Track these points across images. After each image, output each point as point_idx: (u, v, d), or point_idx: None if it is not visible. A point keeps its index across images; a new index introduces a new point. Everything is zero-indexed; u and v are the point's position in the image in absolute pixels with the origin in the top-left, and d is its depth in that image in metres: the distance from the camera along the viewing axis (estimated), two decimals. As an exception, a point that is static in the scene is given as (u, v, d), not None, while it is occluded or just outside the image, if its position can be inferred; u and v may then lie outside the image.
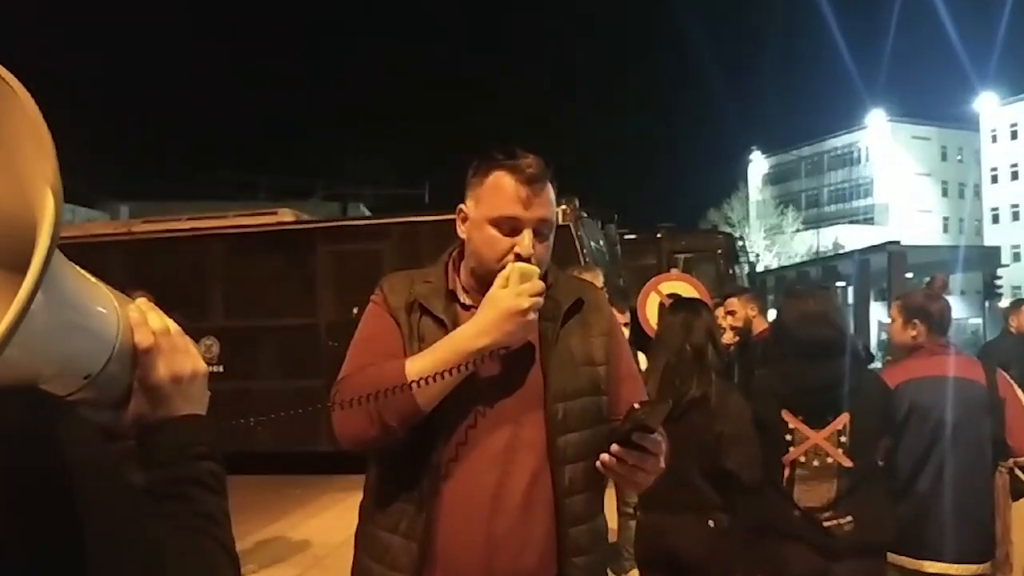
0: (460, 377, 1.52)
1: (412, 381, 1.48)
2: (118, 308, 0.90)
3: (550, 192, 1.63)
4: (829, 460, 2.63)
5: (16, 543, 0.67)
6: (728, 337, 5.10)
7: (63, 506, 0.69)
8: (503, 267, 1.57)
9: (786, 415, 2.64)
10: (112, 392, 0.90)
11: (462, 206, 1.68)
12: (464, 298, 1.69)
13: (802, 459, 2.62)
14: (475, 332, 1.52)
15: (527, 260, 1.58)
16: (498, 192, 1.59)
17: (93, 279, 0.88)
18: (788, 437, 2.64)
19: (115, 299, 0.91)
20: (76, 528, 0.70)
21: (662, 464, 1.51)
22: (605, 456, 1.46)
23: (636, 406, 1.46)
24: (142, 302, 0.95)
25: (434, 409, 1.53)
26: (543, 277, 1.60)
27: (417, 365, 1.51)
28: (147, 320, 0.93)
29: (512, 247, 1.58)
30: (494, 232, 1.60)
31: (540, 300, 1.54)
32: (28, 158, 0.70)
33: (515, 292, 1.52)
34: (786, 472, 2.62)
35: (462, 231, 1.69)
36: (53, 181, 0.68)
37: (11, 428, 0.71)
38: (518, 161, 1.59)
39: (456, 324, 1.60)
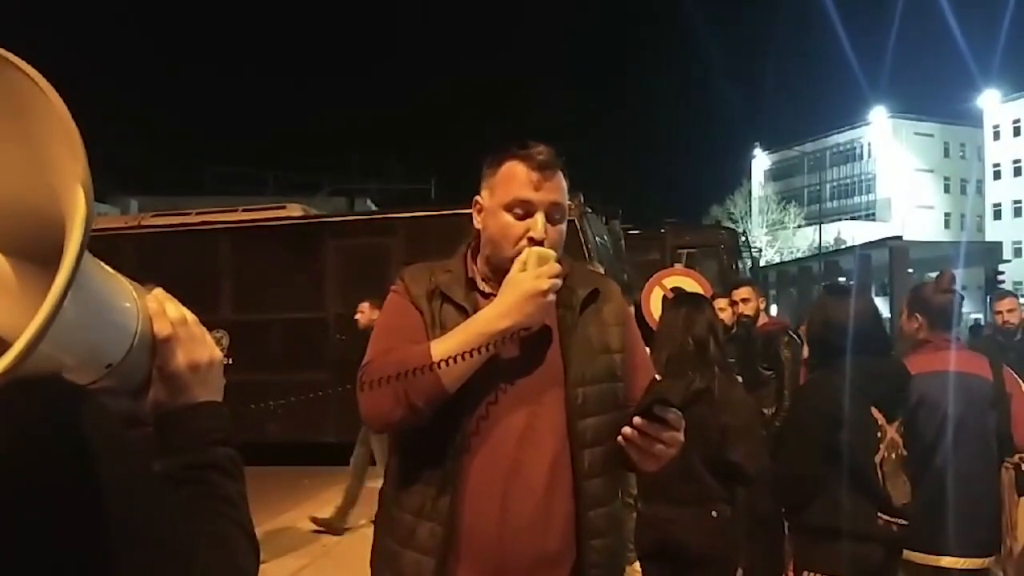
0: (483, 358, 1.55)
1: (438, 361, 1.52)
2: (137, 299, 0.91)
3: (561, 179, 1.68)
4: (899, 453, 2.65)
5: (39, 528, 0.68)
6: (728, 317, 5.09)
7: (86, 492, 0.70)
8: (518, 252, 1.62)
9: (875, 412, 2.64)
10: (132, 380, 0.92)
11: (477, 197, 1.74)
12: (483, 286, 1.72)
13: (886, 455, 2.63)
14: (497, 314, 1.56)
15: (541, 244, 1.62)
16: (511, 179, 1.65)
17: (111, 270, 0.89)
18: (878, 435, 2.63)
19: (134, 290, 0.92)
20: (98, 513, 0.71)
21: (681, 438, 1.54)
22: (627, 429, 1.51)
23: (657, 378, 1.49)
24: (159, 292, 0.96)
25: (458, 390, 1.57)
26: (558, 263, 1.63)
27: (442, 347, 1.55)
28: (165, 310, 0.94)
29: (526, 231, 1.63)
30: (508, 218, 1.65)
31: (558, 282, 1.58)
32: (58, 157, 0.71)
33: (534, 275, 1.56)
34: (877, 472, 2.61)
35: (478, 221, 1.74)
36: (84, 180, 0.69)
37: (35, 416, 0.72)
38: (529, 150, 1.65)
39: (476, 310, 1.64)
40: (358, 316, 6.62)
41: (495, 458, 1.59)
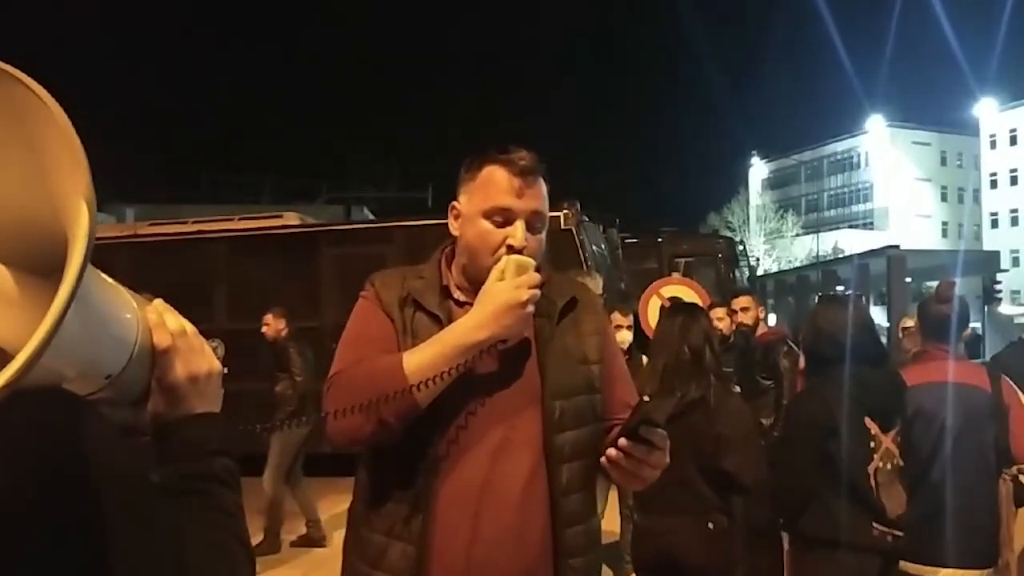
0: (458, 372, 1.48)
1: (413, 385, 1.45)
2: (137, 310, 0.91)
3: (542, 186, 1.61)
4: (895, 463, 2.64)
5: (40, 537, 0.68)
6: (725, 326, 5.07)
7: (86, 501, 0.71)
8: (496, 260, 1.55)
9: (868, 422, 2.62)
10: (131, 391, 0.92)
11: (455, 203, 1.66)
12: (458, 295, 1.65)
13: (880, 465, 2.62)
14: (474, 325, 1.49)
15: (520, 252, 1.55)
16: (491, 184, 1.58)
17: (111, 281, 0.89)
18: (872, 444, 2.62)
19: (134, 301, 0.92)
20: (98, 522, 0.71)
21: (667, 459, 1.47)
22: (612, 451, 1.45)
23: (646, 398, 1.44)
24: (159, 303, 0.96)
25: (431, 404, 1.49)
26: (536, 272, 1.56)
27: (415, 359, 1.48)
28: (165, 321, 0.94)
29: (505, 239, 1.56)
30: (487, 225, 1.57)
31: (538, 292, 1.51)
32: (61, 170, 0.71)
33: (513, 284, 1.49)
34: (871, 481, 2.60)
35: (455, 228, 1.66)
36: (87, 193, 0.70)
37: (35, 426, 0.72)
38: (511, 155, 1.58)
39: (451, 320, 1.57)
40: (264, 328, 6.38)
41: (468, 475, 1.53)
